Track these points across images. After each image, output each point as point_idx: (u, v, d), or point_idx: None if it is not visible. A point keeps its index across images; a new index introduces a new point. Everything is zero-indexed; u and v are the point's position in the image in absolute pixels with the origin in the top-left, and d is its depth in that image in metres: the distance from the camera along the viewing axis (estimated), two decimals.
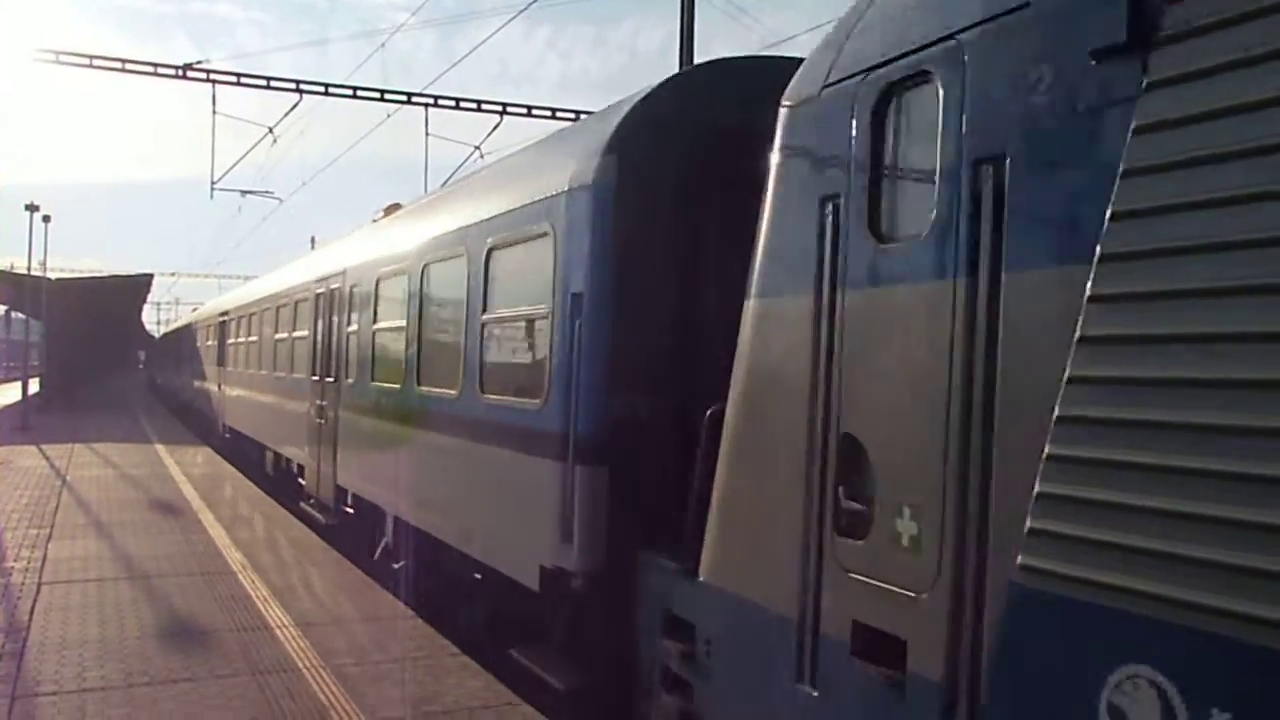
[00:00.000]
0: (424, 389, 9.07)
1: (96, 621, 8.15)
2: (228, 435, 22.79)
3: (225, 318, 24.38)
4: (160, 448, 23.94)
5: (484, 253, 7.79)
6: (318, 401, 13.29)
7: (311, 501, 13.66)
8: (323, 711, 6.23)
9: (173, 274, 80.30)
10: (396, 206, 12.47)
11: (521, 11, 17.37)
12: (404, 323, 9.71)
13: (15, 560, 10.42)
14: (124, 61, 20.25)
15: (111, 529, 12.50)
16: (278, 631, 7.98)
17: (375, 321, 10.94)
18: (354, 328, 11.82)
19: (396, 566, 9.84)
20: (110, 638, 7.69)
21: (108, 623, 8.12)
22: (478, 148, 20.99)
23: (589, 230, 6.24)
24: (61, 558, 10.61)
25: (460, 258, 8.29)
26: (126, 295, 47.57)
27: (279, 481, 16.71)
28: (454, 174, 17.82)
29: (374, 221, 12.78)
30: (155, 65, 20.24)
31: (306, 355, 14.32)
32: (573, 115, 21.23)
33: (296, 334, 15.41)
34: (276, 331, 17.17)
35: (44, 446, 22.87)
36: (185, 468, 19.79)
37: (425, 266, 9.30)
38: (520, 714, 6.32)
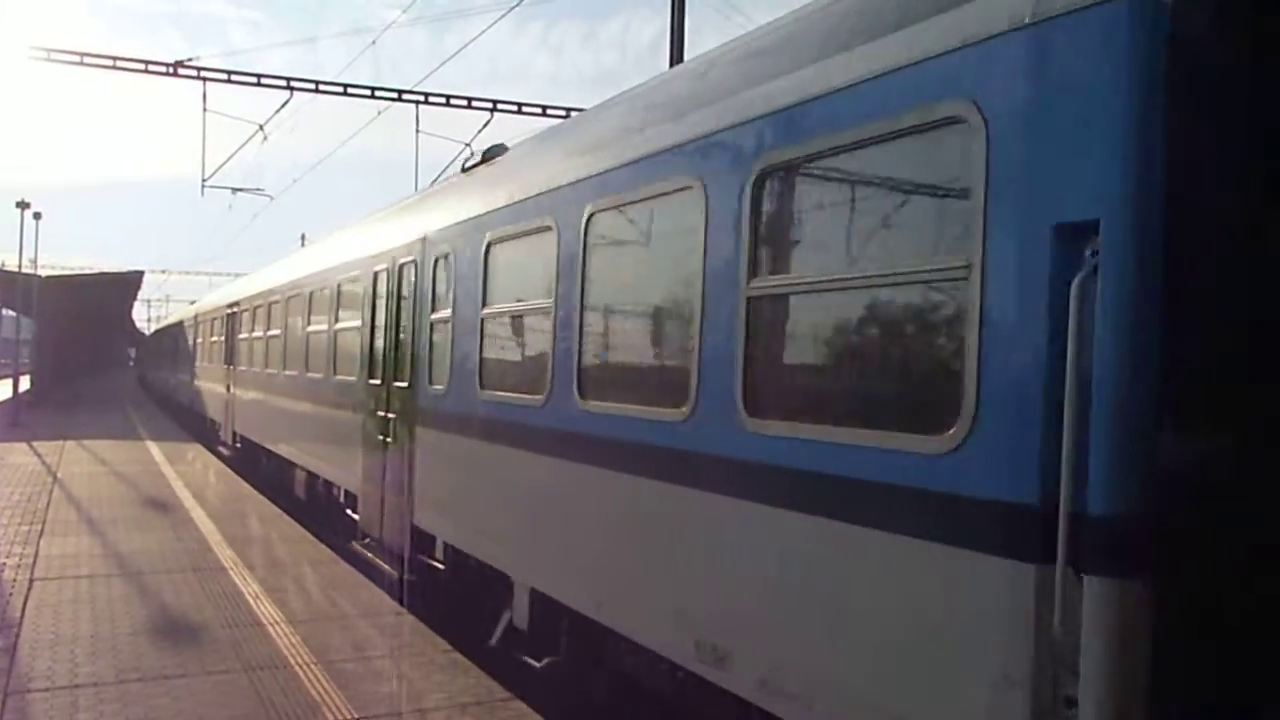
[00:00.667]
0: (597, 406, 6.09)
1: (89, 618, 8.18)
2: (238, 445, 20.19)
3: (236, 309, 21.22)
4: (153, 447, 23.90)
5: (746, 181, 4.78)
6: (379, 413, 10.34)
7: (368, 542, 10.72)
8: (315, 707, 6.27)
9: (163, 271, 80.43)
10: (501, 149, 9.29)
11: (512, 9, 17.40)
12: (546, 304, 6.74)
13: (7, 556, 10.43)
14: (115, 59, 20.26)
15: (103, 526, 12.51)
16: (269, 628, 8.02)
17: (484, 305, 7.88)
18: (442, 314, 8.78)
19: (539, 665, 7.02)
20: (102, 634, 7.72)
21: (100, 619, 8.15)
22: (468, 145, 21.04)
23: (1106, 94, 3.22)
24: (53, 554, 10.62)
25: (684, 193, 5.32)
26: (117, 292, 47.47)
27: (314, 510, 13.77)
28: (443, 172, 17.83)
29: (465, 171, 9.72)
30: (146, 63, 20.30)
31: (357, 352, 11.42)
32: (563, 112, 21.27)
33: (341, 325, 12.38)
34: (310, 323, 14.05)
35: (35, 443, 22.83)
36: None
37: (591, 218, 6.29)
38: (512, 710, 6.37)
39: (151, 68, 20.19)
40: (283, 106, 20.74)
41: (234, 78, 20.32)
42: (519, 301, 7.52)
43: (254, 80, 20.39)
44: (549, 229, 6.80)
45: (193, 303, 39.65)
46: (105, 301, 49.35)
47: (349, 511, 11.55)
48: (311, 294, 14.13)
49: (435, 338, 9.01)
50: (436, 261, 9.07)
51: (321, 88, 20.68)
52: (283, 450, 15.72)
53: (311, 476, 13.87)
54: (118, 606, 8.57)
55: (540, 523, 6.95)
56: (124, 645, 7.44)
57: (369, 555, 10.46)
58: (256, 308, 18.73)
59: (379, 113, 21.33)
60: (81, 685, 6.54)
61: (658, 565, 5.53)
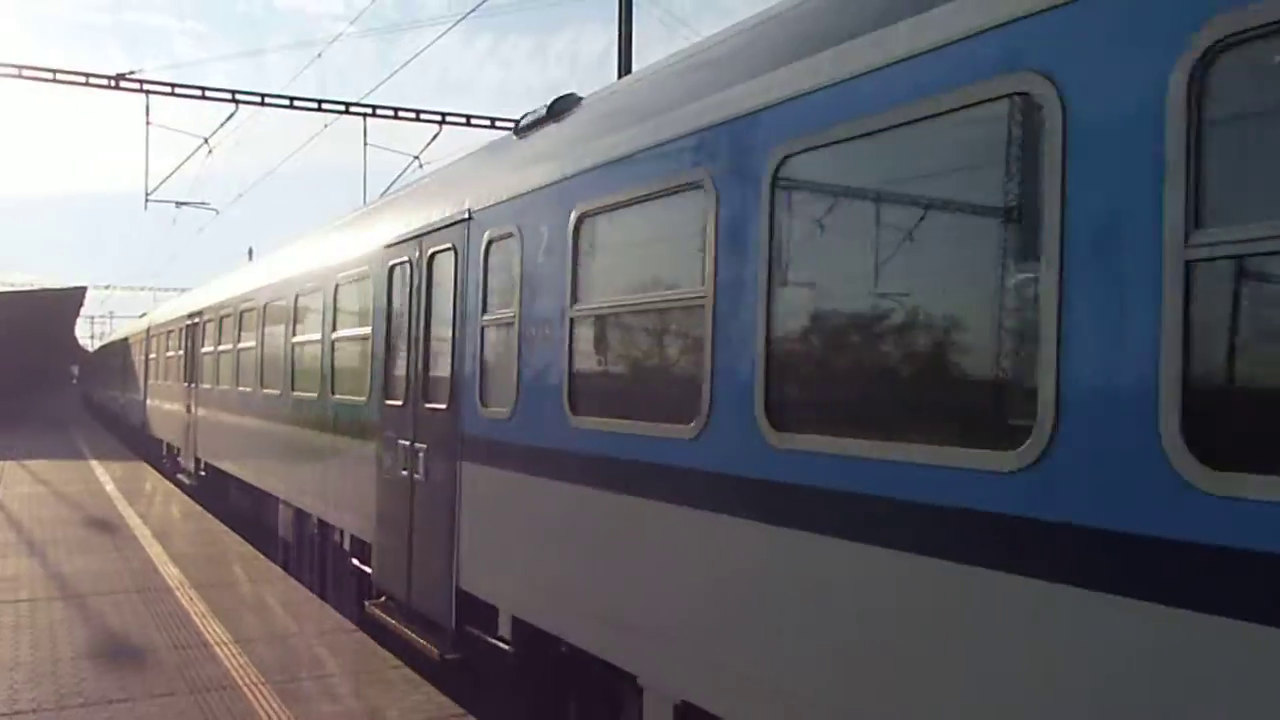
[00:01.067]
0: (814, 442, 4.10)
1: (29, 642, 7.99)
2: (203, 473, 18.14)
3: (198, 320, 19.10)
4: (102, 474, 23.41)
5: (1173, 67, 2.93)
6: (403, 442, 8.29)
7: (385, 602, 8.73)
8: None
9: (107, 287, 78.70)
10: (573, 100, 7.10)
11: (459, 21, 17.41)
12: (696, 295, 4.86)
13: None
14: (55, 72, 19.95)
15: (45, 547, 12.24)
16: (216, 649, 7.91)
17: (575, 300, 5.91)
18: (500, 315, 6.87)
19: None
20: (43, 658, 7.55)
21: (40, 643, 7.97)
22: (417, 157, 21.01)
23: None
24: None
25: (1004, 104, 3.49)
26: (59, 308, 46.56)
27: (303, 554, 11.76)
28: (392, 184, 17.76)
29: (520, 132, 7.56)
30: (87, 75, 19.99)
31: (367, 367, 9.38)
32: (513, 125, 21.33)
33: (341, 334, 10.37)
34: (296, 333, 12.04)
35: None
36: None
37: (784, 164, 4.33)
38: None
39: (93, 80, 19.92)
40: (228, 120, 20.56)
41: (177, 90, 20.10)
42: (639, 293, 5.58)
43: (198, 93, 20.19)
44: (697, 187, 4.88)
45: (143, 315, 38.14)
46: (46, 318, 48.34)
47: (356, 561, 9.60)
48: (298, 298, 11.96)
49: (489, 347, 7.07)
50: (489, 247, 7.05)
51: (267, 100, 20.52)
52: (262, 482, 13.52)
53: (301, 515, 11.72)
54: (59, 630, 8.39)
55: (702, 611, 4.77)
56: (65, 670, 7.28)
57: (390, 621, 8.28)
58: (224, 317, 16.45)
59: (325, 125, 21.20)
60: (21, 712, 6.38)
61: (956, 691, 3.44)
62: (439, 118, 21.52)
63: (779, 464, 4.28)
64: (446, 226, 7.82)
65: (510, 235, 6.77)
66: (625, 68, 16.93)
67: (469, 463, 7.21)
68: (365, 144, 21.13)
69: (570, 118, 6.83)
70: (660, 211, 5.35)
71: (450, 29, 18.25)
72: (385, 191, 13.63)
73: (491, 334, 7.05)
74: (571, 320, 5.94)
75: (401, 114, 21.49)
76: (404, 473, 8.24)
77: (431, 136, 21.41)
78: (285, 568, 11.26)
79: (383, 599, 8.76)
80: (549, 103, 7.19)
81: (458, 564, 7.28)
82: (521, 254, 6.58)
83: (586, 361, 5.98)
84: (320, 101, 21.08)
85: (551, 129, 6.98)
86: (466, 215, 7.47)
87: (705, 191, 4.82)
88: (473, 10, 17.60)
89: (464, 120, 21.75)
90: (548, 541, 6.23)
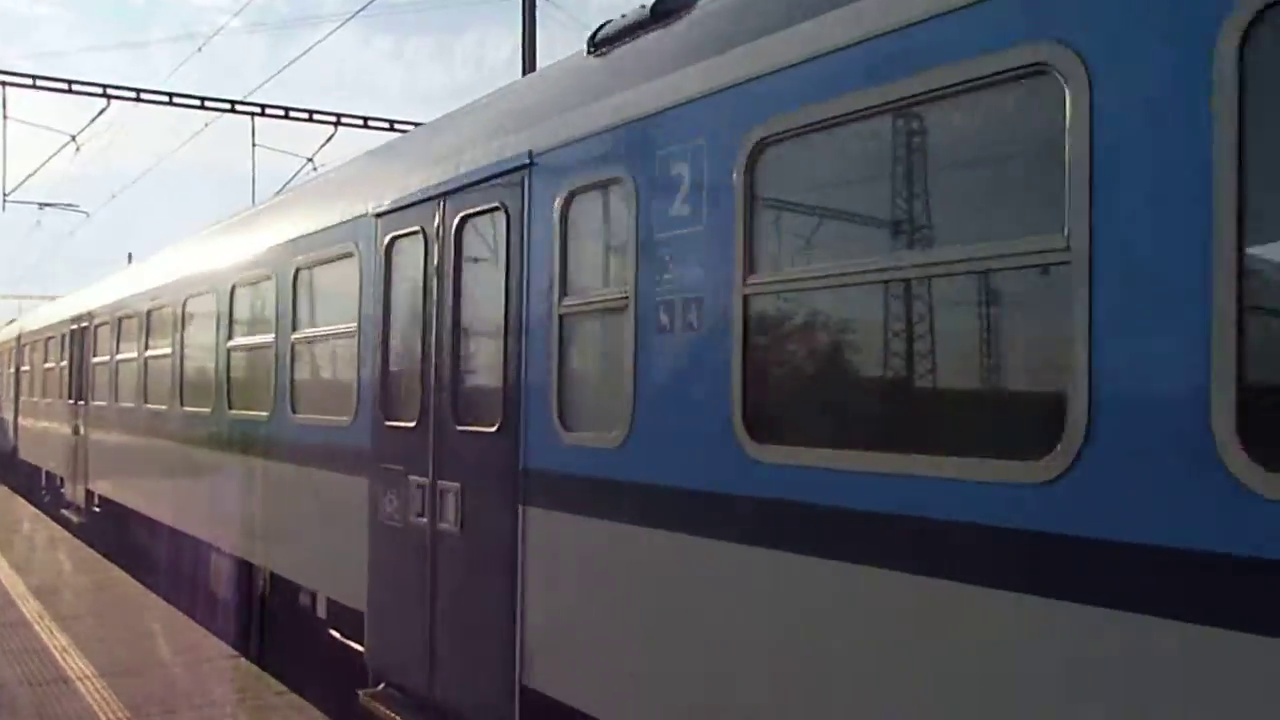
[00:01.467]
0: None
1: None
2: (96, 508, 15.15)
3: (88, 324, 15.99)
4: None
5: None
6: (417, 478, 6.23)
7: (386, 690, 6.58)
8: None
9: None
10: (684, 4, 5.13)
11: (352, 17, 16.74)
12: (1045, 248, 3.03)
13: None
14: None
15: None
16: (78, 684, 7.10)
17: (751, 271, 4.04)
18: (593, 300, 5.04)
19: None
20: None
21: None
22: (310, 159, 20.12)
23: None
24: None
25: None
26: None
27: (237, 614, 9.26)
28: (283, 187, 16.87)
29: (597, 47, 5.54)
30: None
31: (352, 377, 7.08)
32: (412, 127, 20.66)
33: (301, 335, 8.05)
34: (233, 336, 9.52)
35: None
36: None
37: None
38: None
39: None
40: (98, 115, 19.32)
41: (40, 83, 18.74)
42: (891, 253, 3.67)
43: (64, 87, 18.88)
44: (1036, 72, 3.07)
45: (11, 321, 34.16)
46: None
47: (336, 633, 7.32)
48: (235, 291, 9.51)
49: (575, 345, 5.19)
50: (569, 201, 5.15)
51: (143, 96, 19.34)
52: (183, 524, 10.82)
53: (243, 565, 9.16)
54: None
55: None
56: None
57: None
58: (124, 319, 13.67)
59: (205, 124, 20.06)
60: None
61: None
62: (334, 119, 20.65)
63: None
64: (489, 179, 5.77)
65: (615, 182, 4.81)
66: (531, 71, 16.53)
67: (538, 509, 5.22)
68: (254, 144, 20.09)
69: (693, 15, 4.86)
70: (942, 120, 3.49)
71: (342, 25, 17.55)
72: (279, 192, 12.48)
73: (579, 326, 5.15)
74: (745, 299, 4.02)
75: (293, 114, 20.50)
76: (419, 519, 6.18)
77: (326, 138, 20.56)
78: (214, 631, 8.91)
79: (382, 686, 6.58)
80: (650, 3, 5.18)
81: (521, 652, 5.27)
82: (637, 207, 4.63)
83: (775, 361, 4.15)
84: (203, 99, 19.93)
85: (661, 35, 5.01)
86: (525, 161, 5.45)
87: (1062, 80, 2.98)
88: (363, 8, 17.00)
89: (361, 122, 20.95)
90: (710, 630, 4.18)
